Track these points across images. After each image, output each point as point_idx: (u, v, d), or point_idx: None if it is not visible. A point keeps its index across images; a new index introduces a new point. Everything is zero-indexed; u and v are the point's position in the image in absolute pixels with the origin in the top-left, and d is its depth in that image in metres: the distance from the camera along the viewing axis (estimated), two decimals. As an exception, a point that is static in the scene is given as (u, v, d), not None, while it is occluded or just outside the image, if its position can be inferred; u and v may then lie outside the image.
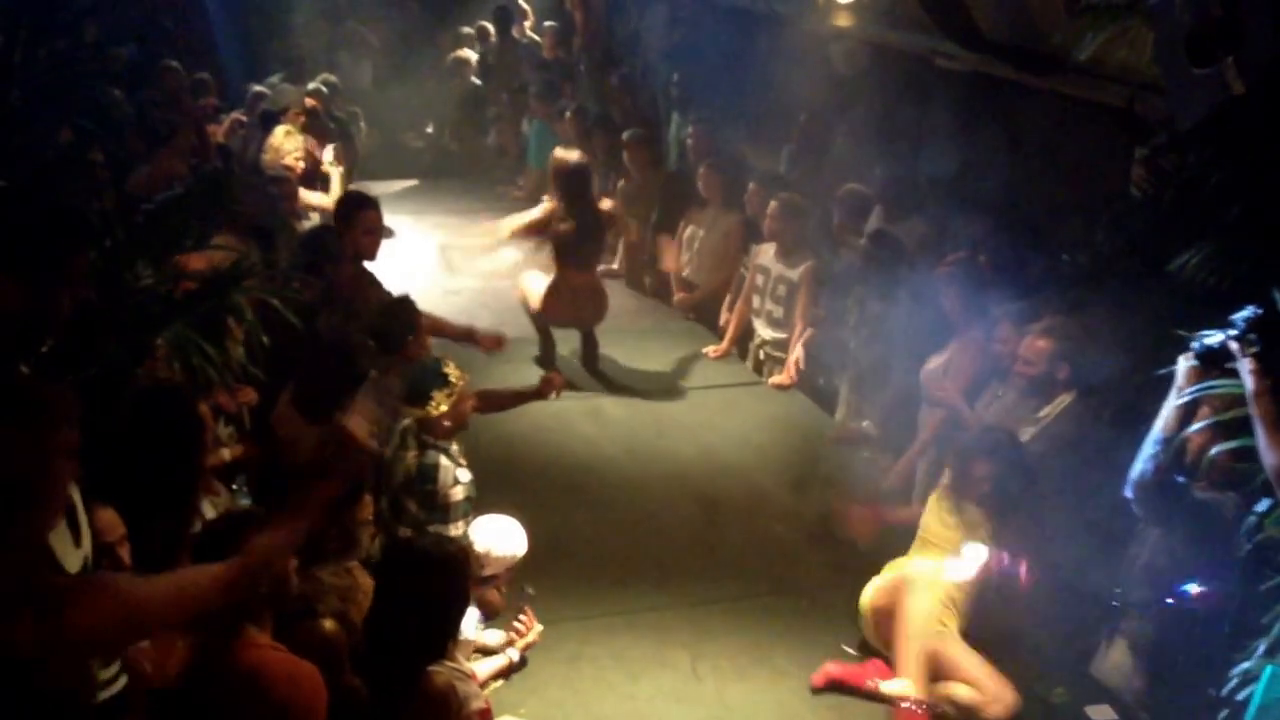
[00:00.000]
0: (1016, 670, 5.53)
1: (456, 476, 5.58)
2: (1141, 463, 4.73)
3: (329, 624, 4.07)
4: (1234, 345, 4.26)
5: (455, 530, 5.53)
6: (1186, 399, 4.54)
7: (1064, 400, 5.94)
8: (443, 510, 5.57)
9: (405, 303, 6.37)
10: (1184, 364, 4.56)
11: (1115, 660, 5.33)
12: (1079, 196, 7.36)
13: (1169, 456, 4.67)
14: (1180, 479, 4.77)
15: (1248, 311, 4.29)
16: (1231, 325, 4.32)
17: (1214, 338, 4.35)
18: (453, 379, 5.63)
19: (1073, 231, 6.89)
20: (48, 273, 3.52)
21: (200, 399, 5.00)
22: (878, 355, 7.47)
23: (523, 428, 7.85)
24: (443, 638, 4.07)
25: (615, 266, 11.27)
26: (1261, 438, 4.15)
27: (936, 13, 8.05)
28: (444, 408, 5.57)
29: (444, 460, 5.57)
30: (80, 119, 5.97)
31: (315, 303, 6.54)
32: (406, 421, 5.67)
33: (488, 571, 5.49)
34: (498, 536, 5.59)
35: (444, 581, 4.02)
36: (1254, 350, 4.23)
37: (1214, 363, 4.39)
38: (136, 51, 11.41)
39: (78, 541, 3.47)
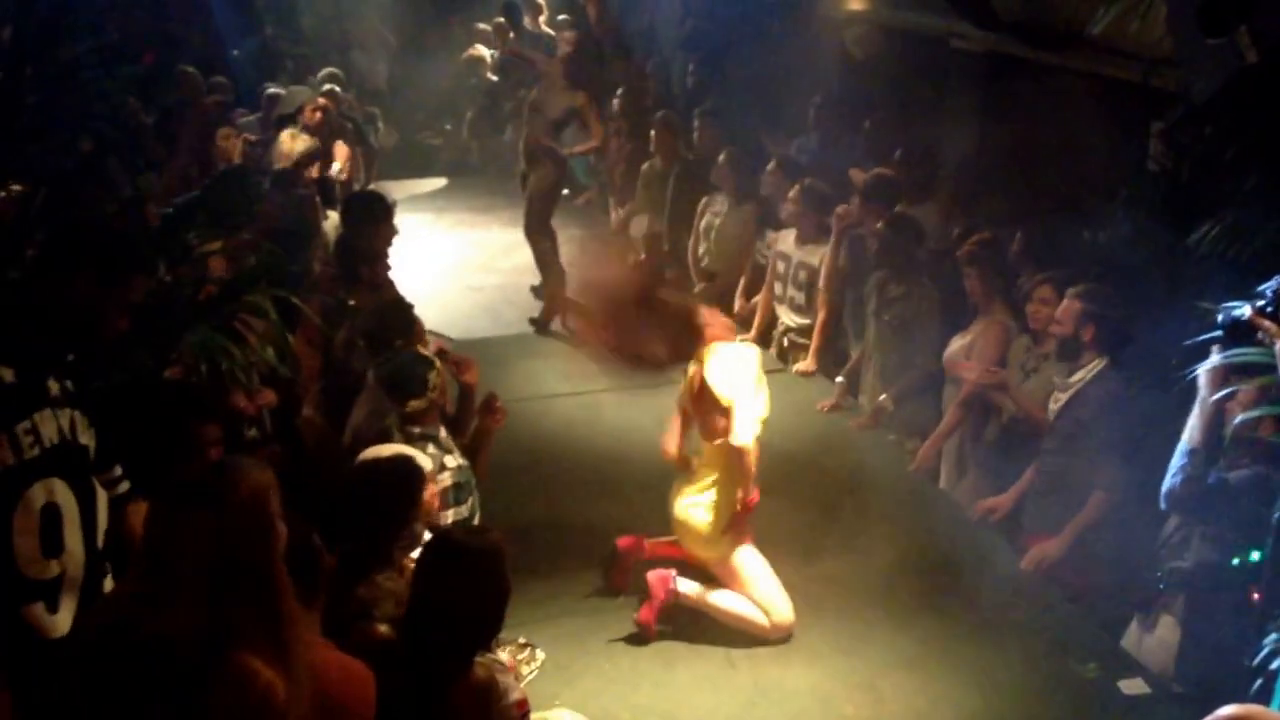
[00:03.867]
0: (1047, 644, 5.56)
1: (443, 463, 5.35)
2: (1170, 477, 4.73)
3: (384, 628, 4.08)
4: (1266, 323, 4.20)
5: (446, 519, 5.43)
6: (1216, 398, 4.54)
7: (1096, 365, 5.93)
8: None
9: (399, 305, 6.29)
10: (1204, 374, 4.55)
11: (1150, 634, 5.35)
12: (1097, 172, 7.35)
13: (1198, 467, 4.67)
14: (1212, 480, 4.75)
15: (1274, 282, 4.26)
16: (1258, 296, 4.29)
17: (1240, 309, 4.31)
18: (432, 378, 5.35)
19: (1092, 207, 6.88)
20: (123, 276, 3.59)
21: (220, 398, 5.07)
22: (899, 339, 7.48)
23: (551, 423, 7.88)
24: (489, 630, 4.02)
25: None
26: None
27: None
28: (423, 404, 5.34)
29: (431, 448, 5.31)
30: (98, 125, 6.02)
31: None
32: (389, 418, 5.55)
33: None
34: None
35: (488, 572, 3.92)
36: None
37: (1241, 335, 4.35)
38: (150, 58, 11.48)
39: (52, 553, 3.49)
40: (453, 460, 5.41)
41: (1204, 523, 4.96)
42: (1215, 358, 4.57)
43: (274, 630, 2.93)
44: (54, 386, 3.51)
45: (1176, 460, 4.70)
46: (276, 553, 3.00)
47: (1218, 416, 4.66)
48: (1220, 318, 4.39)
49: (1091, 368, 5.92)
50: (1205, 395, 4.58)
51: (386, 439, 5.39)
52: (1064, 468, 6.02)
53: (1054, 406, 6.08)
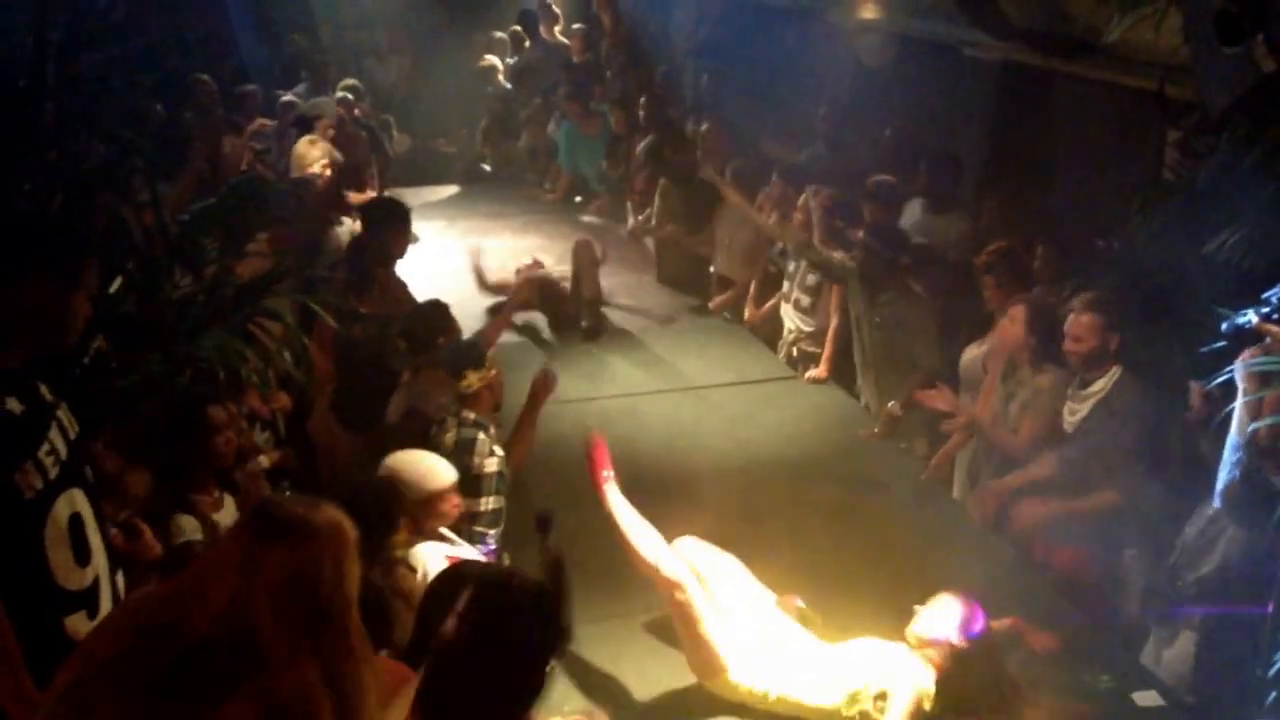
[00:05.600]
0: (1060, 655, 5.54)
1: (493, 449, 5.62)
2: (1227, 471, 4.66)
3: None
4: (1274, 329, 4.19)
5: (484, 505, 5.56)
6: (1244, 401, 4.50)
7: (1114, 374, 5.94)
8: (474, 482, 5.58)
9: (438, 305, 6.43)
10: (1243, 367, 4.52)
11: (1169, 648, 5.32)
12: (1112, 182, 7.34)
13: (1253, 459, 4.61)
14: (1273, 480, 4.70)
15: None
16: (1264, 303, 4.28)
17: (1245, 316, 4.30)
18: (488, 354, 5.77)
19: (1107, 216, 6.87)
20: (66, 275, 3.58)
21: (233, 402, 5.10)
22: (892, 341, 7.48)
23: (564, 428, 7.86)
24: (526, 695, 3.31)
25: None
26: None
27: (963, 1, 8.04)
28: (476, 384, 5.69)
29: (482, 435, 5.62)
30: (120, 131, 6.04)
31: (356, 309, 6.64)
32: (448, 403, 5.79)
33: None
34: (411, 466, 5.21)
35: (542, 628, 3.34)
36: None
37: (1244, 341, 4.34)
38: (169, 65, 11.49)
39: (84, 560, 3.51)
40: (500, 451, 5.73)
41: (1252, 529, 4.89)
42: (1240, 399, 4.53)
43: (334, 673, 2.85)
44: (45, 391, 3.51)
45: (1229, 454, 4.64)
46: (347, 594, 2.91)
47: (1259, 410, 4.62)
48: (1224, 325, 4.37)
49: (1111, 376, 5.90)
50: (1245, 387, 4.52)
51: (443, 427, 5.56)
52: (1084, 476, 6.00)
53: (1071, 418, 6.07)
